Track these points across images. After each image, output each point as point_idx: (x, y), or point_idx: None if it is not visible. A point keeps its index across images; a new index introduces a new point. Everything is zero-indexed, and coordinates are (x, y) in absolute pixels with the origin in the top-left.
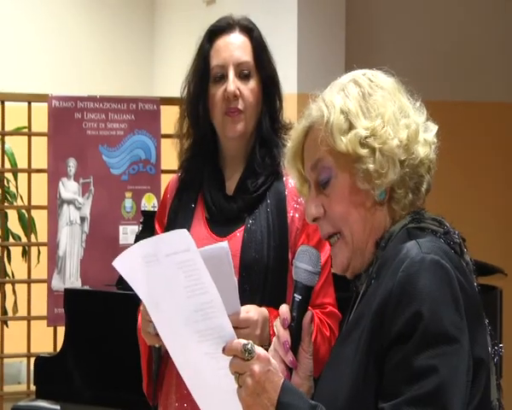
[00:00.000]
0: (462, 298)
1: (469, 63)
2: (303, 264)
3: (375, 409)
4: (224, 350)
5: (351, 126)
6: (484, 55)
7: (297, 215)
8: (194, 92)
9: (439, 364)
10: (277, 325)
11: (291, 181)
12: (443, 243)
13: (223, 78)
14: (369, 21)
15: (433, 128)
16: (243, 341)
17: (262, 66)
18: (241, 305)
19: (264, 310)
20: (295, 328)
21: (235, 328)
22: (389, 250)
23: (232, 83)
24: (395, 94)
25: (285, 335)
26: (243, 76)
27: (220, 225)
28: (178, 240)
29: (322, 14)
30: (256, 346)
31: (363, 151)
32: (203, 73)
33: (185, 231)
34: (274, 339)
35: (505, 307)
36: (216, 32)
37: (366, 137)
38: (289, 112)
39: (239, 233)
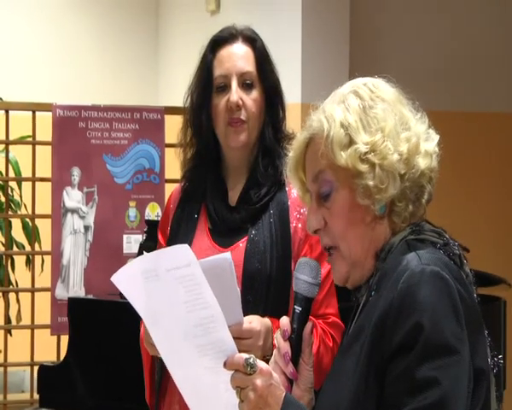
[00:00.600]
0: (462, 309)
1: (470, 74)
2: (303, 275)
3: None
4: (225, 364)
5: (351, 141)
6: (484, 66)
7: (300, 225)
8: (197, 102)
9: (441, 375)
10: (278, 337)
11: (294, 191)
12: (442, 254)
13: (226, 88)
14: (372, 34)
15: (435, 137)
16: (245, 355)
17: (265, 76)
18: (244, 315)
19: (266, 320)
20: (295, 339)
21: (238, 338)
22: (389, 262)
23: (235, 93)
24: (396, 105)
25: (285, 346)
26: (246, 86)
27: (223, 236)
28: (180, 255)
29: (327, 24)
30: (258, 360)
31: (363, 167)
32: (206, 83)
33: (186, 246)
34: (274, 351)
35: (509, 318)
36: (219, 42)
37: (366, 153)
38: (293, 122)
39: (242, 244)
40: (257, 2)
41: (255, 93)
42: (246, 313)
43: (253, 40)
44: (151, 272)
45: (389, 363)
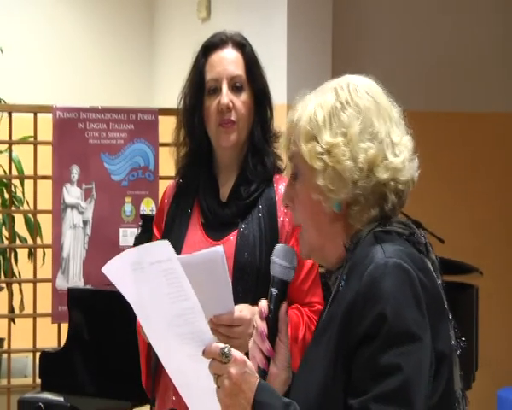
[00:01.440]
0: (424, 297)
1: (453, 74)
2: (279, 259)
3: (343, 406)
4: (203, 353)
5: (314, 137)
6: (468, 66)
7: (287, 220)
8: (189, 104)
9: (404, 362)
10: (256, 318)
11: (281, 187)
12: (408, 244)
13: (217, 91)
14: (354, 37)
15: (404, 152)
16: (221, 345)
17: (254, 79)
18: (235, 305)
19: (256, 309)
20: (272, 319)
21: (230, 326)
22: (357, 253)
23: (226, 96)
24: (368, 113)
25: (262, 325)
26: (236, 89)
27: (215, 230)
28: (160, 250)
29: (311, 30)
30: (233, 349)
31: (318, 165)
32: (198, 87)
33: (167, 242)
34: (254, 331)
35: (480, 304)
36: (210, 47)
37: (322, 153)
38: (279, 122)
39: (232, 237)
40: (244, 11)
41: (244, 95)
42: (236, 303)
43: (242, 45)
44: (137, 265)
45: (355, 350)
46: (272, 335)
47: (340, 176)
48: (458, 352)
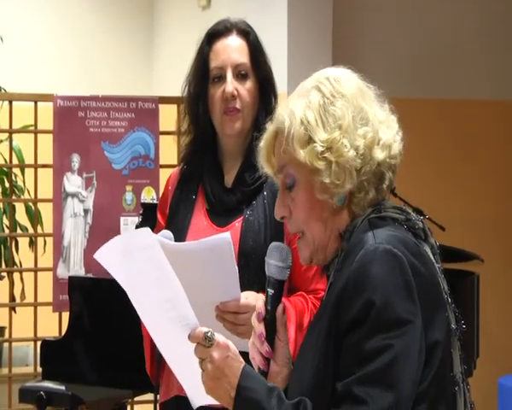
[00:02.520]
0: (418, 283)
1: (448, 63)
2: (273, 260)
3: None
4: (189, 337)
5: (310, 139)
6: (461, 56)
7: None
8: (194, 92)
9: (390, 345)
10: (253, 320)
11: None
12: (404, 229)
13: (221, 79)
14: (354, 23)
15: (394, 126)
16: (205, 329)
17: (258, 66)
18: (241, 292)
19: (262, 296)
20: (270, 320)
21: (236, 313)
22: (352, 241)
23: (230, 84)
24: (355, 100)
25: (260, 327)
26: (241, 76)
27: (220, 216)
28: (143, 237)
29: (311, 17)
30: (217, 334)
31: (320, 164)
32: (203, 74)
33: (148, 229)
34: (252, 333)
35: (481, 292)
36: (215, 35)
37: (323, 152)
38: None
39: (237, 223)
40: None
41: (249, 83)
42: (241, 289)
43: (246, 33)
44: (126, 251)
45: (344, 337)
46: (271, 335)
47: (344, 168)
48: (458, 335)
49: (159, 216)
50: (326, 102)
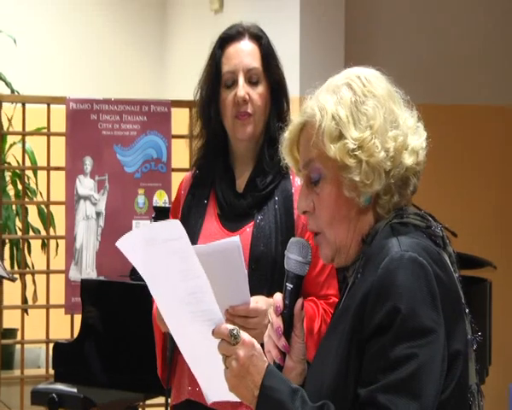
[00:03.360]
0: (440, 292)
1: (463, 68)
2: (293, 255)
3: (353, 396)
4: (213, 333)
5: (341, 135)
6: (477, 61)
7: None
8: (206, 96)
9: (415, 355)
10: (271, 313)
11: (297, 179)
12: (424, 237)
13: (233, 83)
14: (367, 28)
15: (423, 133)
16: (230, 326)
17: (270, 71)
18: (251, 296)
19: (271, 301)
20: (287, 315)
21: (245, 317)
22: (374, 246)
23: (242, 88)
24: (386, 102)
25: (278, 321)
26: (252, 81)
27: (231, 221)
28: (172, 229)
29: (323, 21)
30: (242, 332)
31: (351, 162)
32: (215, 79)
33: (177, 221)
34: (269, 326)
35: (494, 299)
36: (227, 39)
37: (354, 150)
38: (292, 114)
39: (248, 228)
40: (257, 2)
41: (261, 88)
42: (252, 294)
43: (259, 38)
44: (150, 241)
45: (368, 342)
46: (287, 330)
47: (374, 168)
48: (474, 347)
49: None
50: (358, 101)
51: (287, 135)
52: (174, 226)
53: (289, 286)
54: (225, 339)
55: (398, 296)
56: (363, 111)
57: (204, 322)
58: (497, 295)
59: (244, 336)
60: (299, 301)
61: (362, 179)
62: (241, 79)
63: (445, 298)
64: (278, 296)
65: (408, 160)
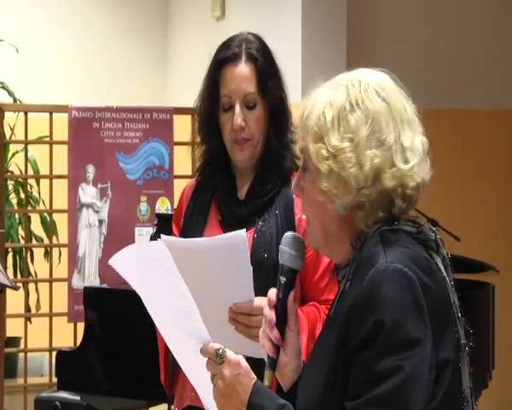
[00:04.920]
0: (428, 301)
1: (468, 71)
2: (287, 248)
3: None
4: (200, 351)
5: (321, 137)
6: (482, 63)
7: (304, 217)
8: (204, 117)
9: (400, 367)
10: (265, 306)
11: None
12: (414, 243)
13: (230, 107)
14: (369, 34)
15: (412, 159)
16: (216, 345)
17: (267, 93)
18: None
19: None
20: (281, 308)
21: (249, 314)
22: (364, 253)
23: (238, 116)
24: (377, 118)
25: (270, 314)
26: (249, 106)
27: (232, 227)
28: (158, 249)
29: (325, 27)
30: (228, 351)
31: (323, 168)
32: (213, 101)
33: (160, 242)
34: (263, 320)
35: (497, 303)
36: (224, 61)
37: (327, 158)
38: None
39: (249, 234)
40: (259, 9)
41: (258, 111)
42: None
43: (255, 59)
44: (141, 259)
45: (354, 355)
46: (281, 323)
47: (344, 182)
48: (467, 351)
49: (173, 227)
50: (347, 108)
51: (298, 114)
52: (157, 248)
53: (283, 279)
54: (212, 358)
55: (382, 309)
56: (348, 120)
57: (195, 340)
58: (502, 299)
59: (230, 355)
60: (292, 294)
61: (330, 188)
62: (237, 107)
63: (432, 307)
64: (272, 291)
65: (388, 182)
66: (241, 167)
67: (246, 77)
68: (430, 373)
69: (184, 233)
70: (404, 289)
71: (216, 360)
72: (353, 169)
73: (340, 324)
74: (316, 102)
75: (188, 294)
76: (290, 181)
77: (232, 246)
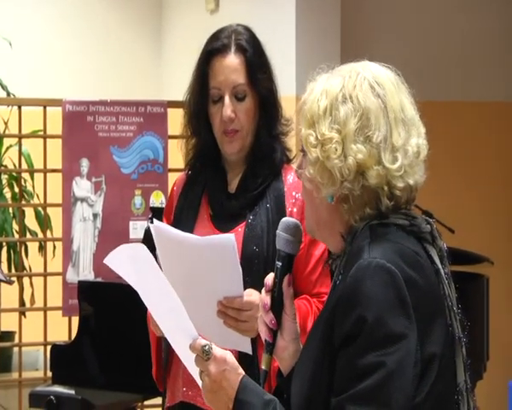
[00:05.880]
0: (413, 296)
1: (462, 65)
2: (283, 233)
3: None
4: (189, 347)
5: (313, 124)
6: (477, 57)
7: (295, 210)
8: (195, 110)
9: (383, 362)
10: (262, 292)
11: (289, 177)
12: (405, 237)
13: (220, 99)
14: (364, 28)
15: (403, 159)
16: (203, 342)
17: (257, 84)
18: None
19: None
20: (277, 292)
21: (239, 310)
22: (354, 246)
23: (228, 108)
24: (368, 114)
25: (265, 298)
26: (239, 97)
27: (223, 222)
28: (141, 253)
29: (319, 20)
30: (215, 347)
31: (311, 155)
32: (202, 93)
33: (142, 245)
34: (260, 305)
35: (491, 294)
36: (213, 52)
37: (315, 145)
38: (288, 114)
39: (240, 228)
40: (253, 1)
41: (248, 102)
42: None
43: (245, 50)
44: (132, 258)
45: (338, 352)
46: (277, 307)
47: (329, 172)
48: (462, 343)
49: (164, 221)
50: (339, 99)
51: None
52: (139, 250)
53: (278, 264)
54: (199, 354)
55: (364, 305)
56: (340, 111)
57: (185, 335)
58: (499, 291)
59: (216, 351)
60: (287, 277)
61: (315, 176)
62: (227, 98)
63: (418, 301)
64: (270, 275)
65: (372, 180)
66: (231, 160)
67: (235, 68)
68: (415, 368)
69: (175, 227)
70: (386, 285)
71: (202, 356)
72: (337, 161)
73: (325, 319)
74: (314, 88)
75: (173, 293)
76: (281, 174)
77: (220, 247)
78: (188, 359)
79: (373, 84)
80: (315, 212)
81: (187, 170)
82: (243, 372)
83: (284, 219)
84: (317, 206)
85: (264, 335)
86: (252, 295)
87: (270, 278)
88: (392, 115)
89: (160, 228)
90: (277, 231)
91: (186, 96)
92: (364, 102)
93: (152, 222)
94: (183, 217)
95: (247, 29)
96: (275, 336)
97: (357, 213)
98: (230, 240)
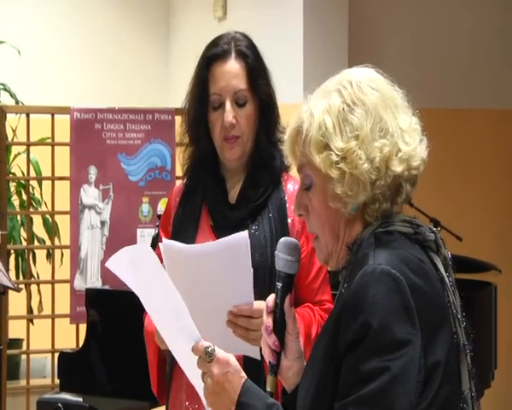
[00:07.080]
0: (418, 303)
1: (468, 70)
2: (282, 254)
3: None
4: (192, 350)
5: (326, 145)
6: (480, 63)
7: (297, 219)
8: (194, 117)
9: (387, 367)
10: (263, 313)
11: (289, 186)
12: (410, 244)
13: (220, 105)
14: (371, 35)
15: (416, 138)
16: (206, 343)
17: (257, 90)
18: None
19: None
20: (278, 313)
21: (249, 317)
22: (359, 255)
23: (229, 113)
24: (376, 110)
25: (267, 320)
26: (239, 103)
27: (225, 232)
28: (143, 254)
29: (326, 27)
30: (217, 349)
31: (334, 173)
32: (202, 99)
33: (147, 246)
34: (262, 327)
35: (499, 302)
36: (213, 58)
37: (338, 162)
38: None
39: None
40: (260, 9)
41: (248, 108)
42: None
43: (245, 56)
44: (133, 261)
45: (343, 357)
46: (280, 328)
47: (358, 180)
48: (467, 351)
49: (161, 233)
50: (345, 109)
51: (286, 137)
52: (144, 251)
53: (279, 285)
54: (202, 356)
55: (369, 311)
56: (349, 121)
57: (187, 338)
58: (506, 299)
59: (219, 353)
60: (288, 298)
61: (345, 191)
62: (228, 104)
63: (423, 308)
64: (271, 297)
65: (397, 167)
66: (230, 167)
67: (236, 74)
68: (419, 375)
69: (175, 238)
70: (391, 291)
71: (205, 358)
72: (365, 165)
73: (331, 326)
74: (312, 114)
75: (176, 294)
76: (281, 182)
77: (235, 247)
78: (189, 367)
79: (369, 82)
80: (333, 232)
81: (185, 179)
82: (245, 376)
83: (282, 239)
84: (337, 225)
85: (268, 357)
86: (262, 304)
87: (270, 300)
88: (393, 103)
89: (170, 245)
90: (276, 252)
91: (184, 103)
92: (369, 101)
93: (159, 230)
94: (182, 228)
95: (246, 36)
96: (278, 357)
97: (380, 211)
98: (243, 238)
